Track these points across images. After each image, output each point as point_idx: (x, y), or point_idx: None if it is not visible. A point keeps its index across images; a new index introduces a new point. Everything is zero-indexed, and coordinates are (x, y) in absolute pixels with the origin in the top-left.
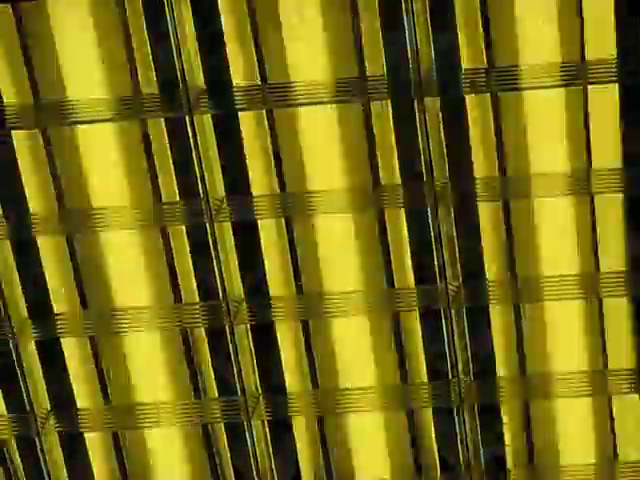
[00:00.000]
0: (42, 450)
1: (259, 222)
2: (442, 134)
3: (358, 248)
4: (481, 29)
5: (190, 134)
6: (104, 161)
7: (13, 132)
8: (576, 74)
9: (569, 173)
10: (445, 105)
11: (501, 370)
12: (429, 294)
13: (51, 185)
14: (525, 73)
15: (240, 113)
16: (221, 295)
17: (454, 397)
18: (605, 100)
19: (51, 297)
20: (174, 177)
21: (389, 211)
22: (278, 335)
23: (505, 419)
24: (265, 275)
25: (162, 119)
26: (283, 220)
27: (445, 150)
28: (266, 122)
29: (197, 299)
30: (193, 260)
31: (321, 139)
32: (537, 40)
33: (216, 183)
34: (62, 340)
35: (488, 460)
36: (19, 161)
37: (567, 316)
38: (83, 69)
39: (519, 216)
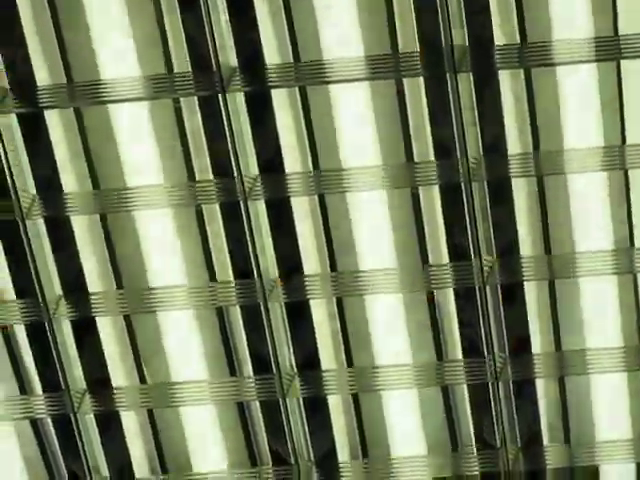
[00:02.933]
0: (78, 429)
1: (292, 199)
2: (475, 110)
3: (392, 225)
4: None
5: (223, 112)
6: (137, 140)
7: (46, 111)
8: (609, 49)
9: (603, 148)
10: (478, 81)
11: (537, 346)
12: (464, 271)
13: (84, 164)
14: (558, 48)
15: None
16: (256, 273)
17: (489, 374)
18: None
19: (86, 276)
20: (208, 156)
21: (423, 188)
22: (312, 313)
23: (540, 395)
24: (300, 253)
25: (195, 97)
26: (316, 197)
27: (479, 126)
28: (299, 99)
29: (232, 278)
30: (227, 239)
31: (354, 116)
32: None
33: (249, 161)
34: (97, 319)
35: (524, 436)
36: (52, 140)
37: (602, 291)
38: (116, 48)
39: (553, 192)
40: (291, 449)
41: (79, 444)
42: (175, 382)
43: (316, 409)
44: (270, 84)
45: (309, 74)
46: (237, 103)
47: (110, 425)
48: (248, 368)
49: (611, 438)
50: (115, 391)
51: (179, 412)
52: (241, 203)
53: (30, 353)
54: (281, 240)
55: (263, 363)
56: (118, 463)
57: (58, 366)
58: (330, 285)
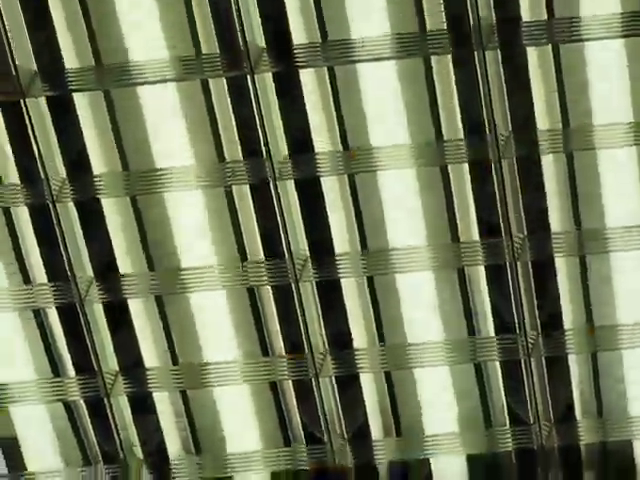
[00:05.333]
0: (111, 410)
1: (322, 180)
2: (504, 87)
3: (422, 204)
4: None
5: (252, 93)
6: (167, 122)
7: (75, 95)
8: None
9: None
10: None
11: (568, 322)
12: (494, 249)
13: (115, 147)
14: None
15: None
16: (286, 253)
17: (522, 350)
18: None
19: (117, 258)
20: (237, 137)
21: (452, 166)
22: (344, 292)
23: (573, 371)
24: (330, 233)
25: (224, 79)
26: (346, 177)
27: (507, 104)
28: (327, 78)
29: (262, 257)
30: (257, 219)
31: (382, 94)
32: None
33: (279, 142)
34: (129, 301)
35: (557, 412)
36: (82, 124)
37: (631, 267)
38: (144, 31)
39: (582, 168)
40: (324, 428)
41: (112, 425)
42: (207, 362)
43: (348, 387)
44: (297, 64)
45: (336, 53)
46: (266, 83)
47: (143, 406)
48: (281, 348)
49: None
50: (148, 372)
51: (212, 392)
52: (271, 183)
53: (62, 335)
54: (311, 220)
55: (295, 343)
56: (152, 444)
57: (90, 348)
58: (360, 264)
